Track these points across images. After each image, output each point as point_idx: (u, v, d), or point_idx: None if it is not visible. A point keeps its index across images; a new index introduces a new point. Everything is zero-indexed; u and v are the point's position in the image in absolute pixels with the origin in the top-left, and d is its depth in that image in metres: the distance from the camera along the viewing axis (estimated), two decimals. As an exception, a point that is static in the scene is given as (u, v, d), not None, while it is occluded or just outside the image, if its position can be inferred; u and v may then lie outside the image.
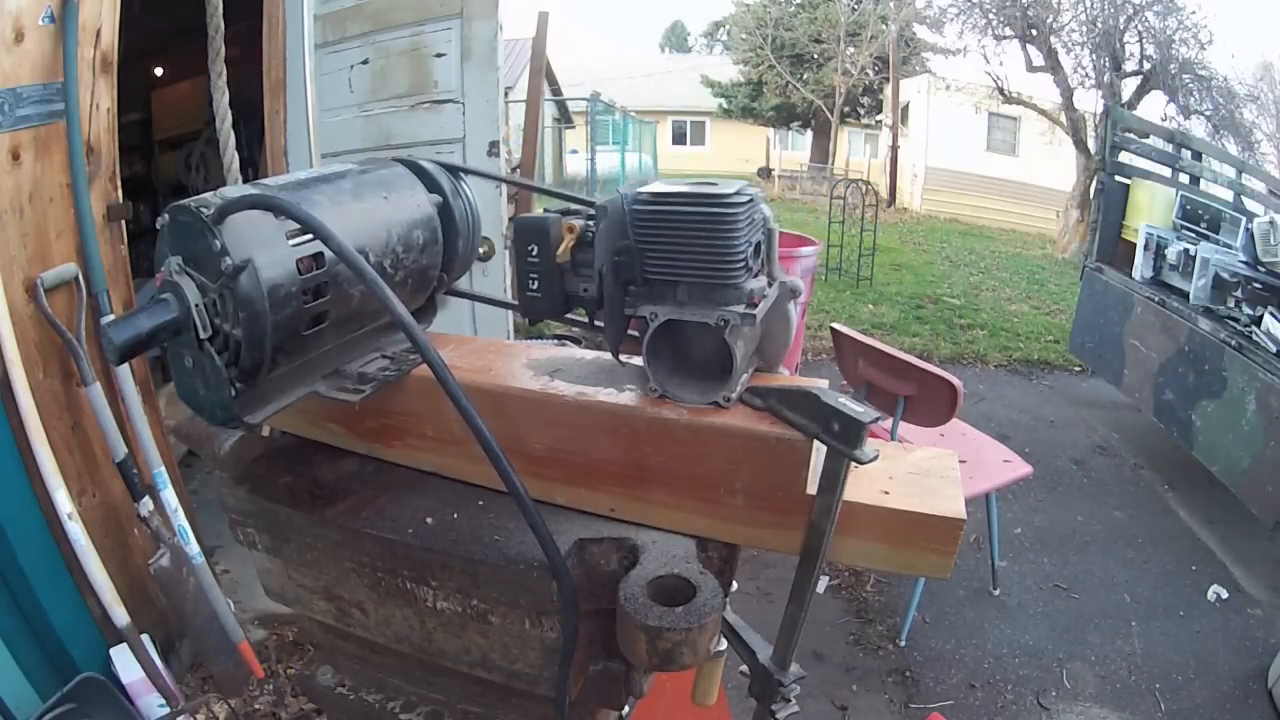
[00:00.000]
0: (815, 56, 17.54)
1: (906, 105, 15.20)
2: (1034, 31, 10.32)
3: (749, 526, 0.56)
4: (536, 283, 0.61)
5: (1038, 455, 3.36)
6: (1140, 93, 10.04)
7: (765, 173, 18.89)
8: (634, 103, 16.24)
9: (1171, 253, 3.46)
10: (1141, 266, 3.62)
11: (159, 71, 4.50)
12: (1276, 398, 2.53)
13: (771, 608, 2.33)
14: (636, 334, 0.58)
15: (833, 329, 2.58)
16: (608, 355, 0.63)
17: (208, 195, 0.50)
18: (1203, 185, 3.69)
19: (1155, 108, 9.91)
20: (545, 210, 0.63)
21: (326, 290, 0.54)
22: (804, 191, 16.29)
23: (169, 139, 4.43)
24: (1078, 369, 4.80)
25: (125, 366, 1.75)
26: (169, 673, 1.71)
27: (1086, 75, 10.28)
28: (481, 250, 1.33)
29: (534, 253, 0.60)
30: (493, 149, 2.66)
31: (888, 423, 2.30)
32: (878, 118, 17.39)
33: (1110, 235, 4.02)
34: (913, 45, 15.39)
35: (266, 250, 0.49)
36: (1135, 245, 3.70)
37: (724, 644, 0.70)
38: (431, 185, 0.65)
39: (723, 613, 0.60)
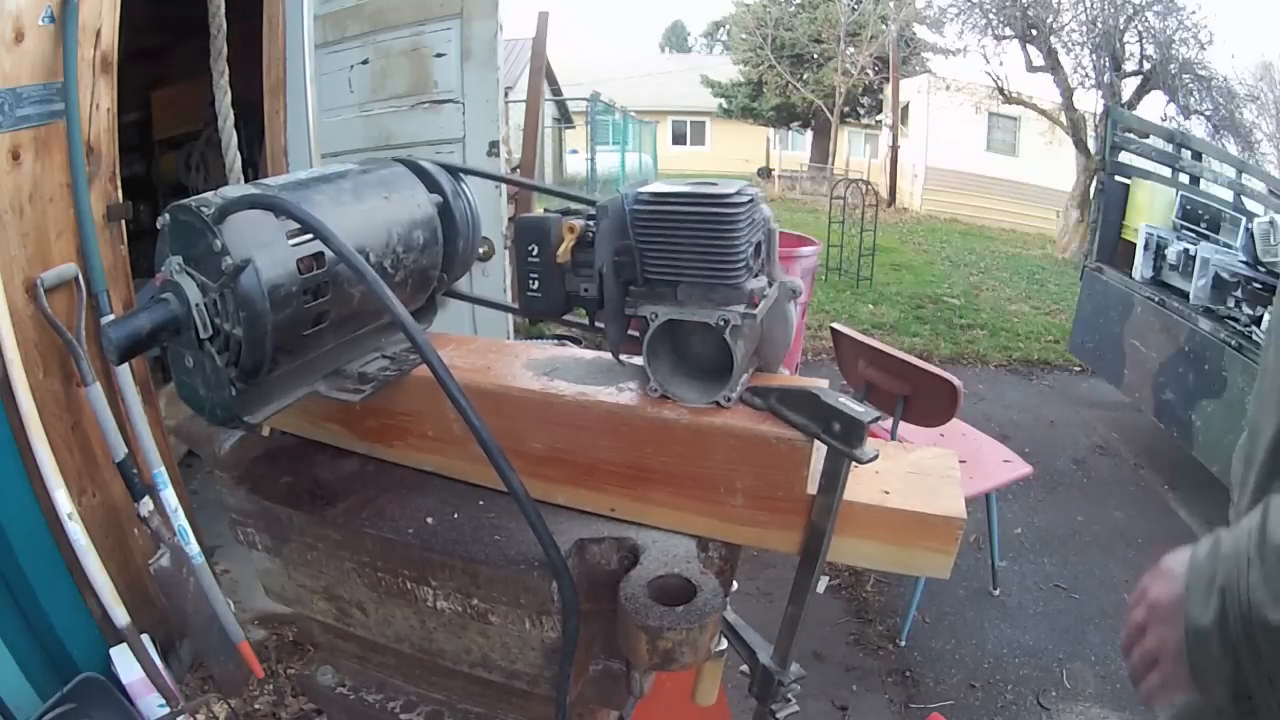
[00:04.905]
0: (815, 56, 17.54)
1: (906, 105, 15.20)
2: (1034, 31, 10.32)
3: (749, 526, 0.56)
4: (537, 283, 0.61)
5: (1038, 455, 3.36)
6: (1140, 93, 10.04)
7: (765, 173, 18.91)
8: (634, 103, 16.24)
9: (1171, 253, 3.45)
10: (1141, 266, 3.61)
11: (159, 71, 4.49)
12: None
13: (771, 608, 2.33)
14: (637, 334, 0.58)
15: (833, 329, 2.58)
16: (608, 355, 0.63)
17: (208, 195, 0.50)
18: (1203, 185, 3.68)
19: (1155, 108, 9.93)
20: (546, 210, 0.63)
21: (327, 290, 0.54)
22: (804, 191, 16.29)
23: (169, 139, 4.42)
24: (1078, 369, 4.80)
25: (125, 366, 1.75)
26: (169, 673, 1.71)
27: (1086, 75, 10.29)
28: (481, 250, 1.33)
29: (534, 253, 0.60)
30: (493, 149, 2.67)
31: (888, 423, 2.30)
32: (878, 118, 17.38)
33: (1110, 235, 4.01)
34: (913, 45, 15.38)
35: (267, 250, 0.49)
36: (1135, 245, 3.69)
37: (724, 644, 0.70)
38: (432, 185, 0.65)
39: (723, 612, 0.60)
